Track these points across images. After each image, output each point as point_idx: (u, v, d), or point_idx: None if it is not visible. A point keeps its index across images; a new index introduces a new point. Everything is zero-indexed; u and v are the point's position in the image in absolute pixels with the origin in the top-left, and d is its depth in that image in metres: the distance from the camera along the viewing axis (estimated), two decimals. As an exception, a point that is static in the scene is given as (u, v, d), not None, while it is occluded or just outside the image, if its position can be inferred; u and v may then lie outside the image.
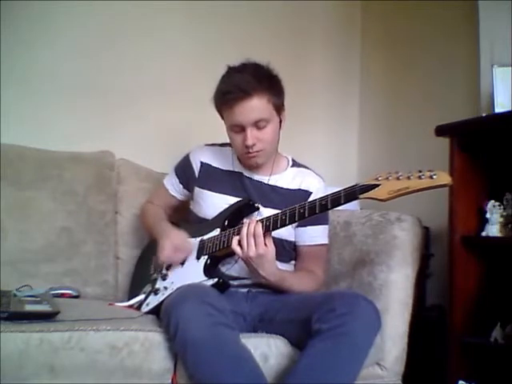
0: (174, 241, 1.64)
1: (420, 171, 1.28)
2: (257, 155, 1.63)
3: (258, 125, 1.58)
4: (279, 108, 1.63)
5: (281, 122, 1.65)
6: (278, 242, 1.56)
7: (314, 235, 1.69)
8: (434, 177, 1.26)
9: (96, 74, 2.25)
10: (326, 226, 1.71)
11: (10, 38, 2.11)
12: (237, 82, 1.55)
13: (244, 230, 1.47)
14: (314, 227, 1.68)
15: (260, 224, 1.47)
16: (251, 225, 1.47)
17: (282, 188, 1.70)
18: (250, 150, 1.60)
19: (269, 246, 1.47)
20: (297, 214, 1.45)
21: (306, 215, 1.43)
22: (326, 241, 1.71)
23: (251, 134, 1.58)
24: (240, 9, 2.50)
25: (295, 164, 1.76)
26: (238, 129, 1.59)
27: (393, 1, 2.58)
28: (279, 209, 1.51)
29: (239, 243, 1.48)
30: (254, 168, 1.69)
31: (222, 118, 1.64)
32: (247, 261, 1.48)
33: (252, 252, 1.45)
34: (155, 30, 2.36)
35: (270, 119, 1.59)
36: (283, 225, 1.48)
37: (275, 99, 1.59)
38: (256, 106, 1.55)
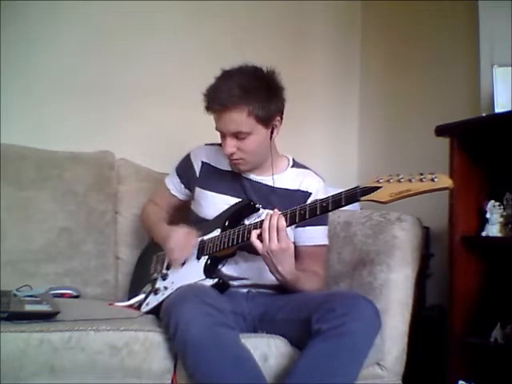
0: (177, 240, 1.62)
1: (421, 174, 1.28)
2: (237, 163, 1.62)
3: (237, 135, 1.56)
4: (267, 119, 1.57)
5: (273, 130, 1.62)
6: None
7: (313, 236, 1.68)
8: (436, 180, 1.26)
9: (96, 73, 2.25)
10: (326, 227, 1.71)
11: (9, 38, 2.11)
12: (219, 92, 1.54)
13: (266, 223, 1.44)
14: (314, 228, 1.67)
15: (283, 217, 1.45)
16: (274, 217, 1.44)
17: (281, 189, 1.69)
18: (231, 157, 1.61)
19: (289, 241, 1.46)
20: (297, 216, 1.44)
21: (307, 216, 1.43)
22: (325, 241, 1.71)
23: (230, 143, 1.57)
24: (240, 9, 2.50)
25: (295, 164, 1.76)
26: (221, 134, 1.60)
27: (393, 1, 2.59)
28: (278, 210, 1.49)
29: (258, 237, 1.45)
30: (247, 171, 1.69)
31: None
32: (267, 255, 1.45)
33: (274, 245, 1.42)
34: (155, 30, 2.36)
35: (252, 132, 1.56)
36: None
37: (260, 111, 1.54)
38: (234, 120, 1.54)
